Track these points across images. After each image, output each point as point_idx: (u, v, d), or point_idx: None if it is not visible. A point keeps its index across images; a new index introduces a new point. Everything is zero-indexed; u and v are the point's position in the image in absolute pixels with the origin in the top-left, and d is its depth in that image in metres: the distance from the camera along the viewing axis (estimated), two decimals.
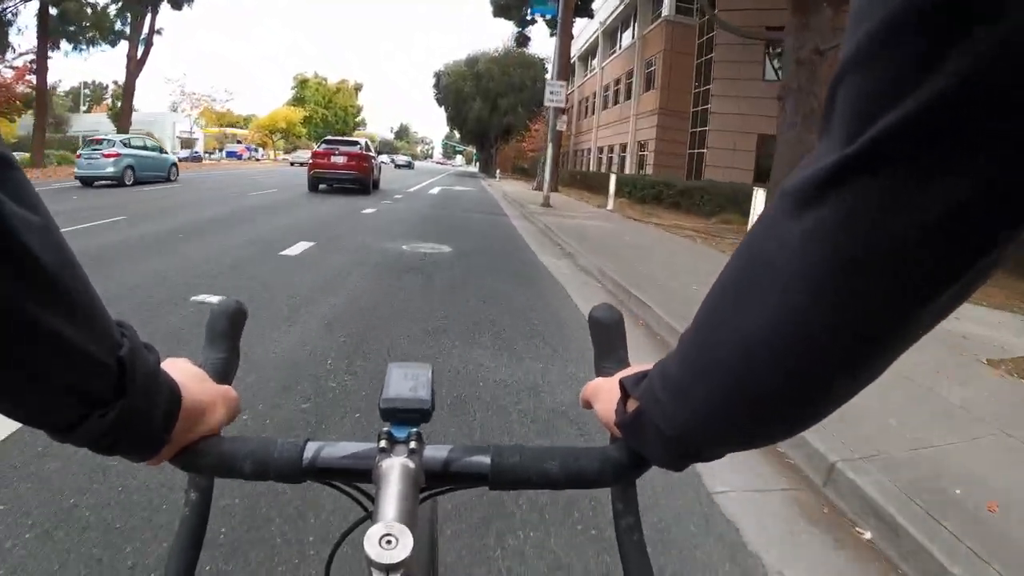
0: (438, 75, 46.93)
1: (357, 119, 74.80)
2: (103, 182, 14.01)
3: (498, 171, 39.64)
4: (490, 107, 42.05)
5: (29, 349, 0.29)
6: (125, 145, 14.74)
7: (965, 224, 0.23)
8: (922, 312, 0.26)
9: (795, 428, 0.34)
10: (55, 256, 0.29)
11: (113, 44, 28.42)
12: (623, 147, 27.96)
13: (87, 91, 52.15)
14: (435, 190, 20.08)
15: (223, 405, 0.46)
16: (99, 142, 14.51)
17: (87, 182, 14.03)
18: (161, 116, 44.18)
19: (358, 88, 73.55)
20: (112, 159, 13.98)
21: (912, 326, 0.27)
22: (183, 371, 0.44)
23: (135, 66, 28.04)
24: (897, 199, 0.23)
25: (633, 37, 27.32)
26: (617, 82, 29.40)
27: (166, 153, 17.40)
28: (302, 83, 66.46)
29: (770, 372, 0.30)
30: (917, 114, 0.21)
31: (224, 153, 49.49)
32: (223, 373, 0.51)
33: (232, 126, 57.63)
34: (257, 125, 56.68)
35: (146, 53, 28.41)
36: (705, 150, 20.50)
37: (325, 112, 65.74)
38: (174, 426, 0.40)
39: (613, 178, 14.95)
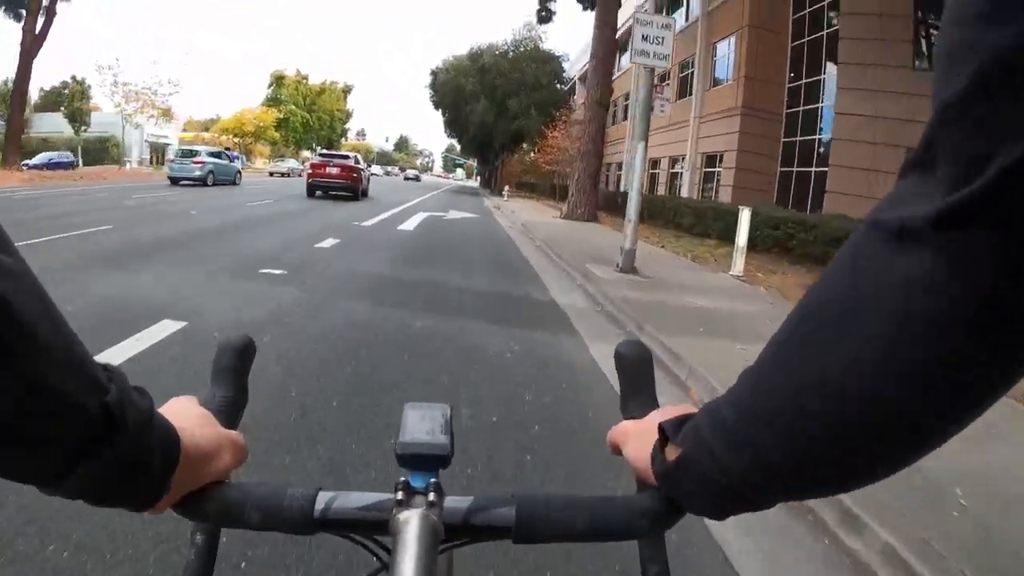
0: (435, 72, 39.99)
1: (345, 125, 67.53)
2: (188, 182, 18.98)
3: (506, 188, 31.49)
4: (496, 109, 34.99)
5: (9, 401, 0.27)
6: (208, 155, 20.63)
7: None
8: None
9: (875, 474, 0.31)
10: (30, 300, 0.28)
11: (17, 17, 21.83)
12: (675, 161, 21.13)
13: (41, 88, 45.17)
14: (417, 218, 13.00)
15: (229, 451, 0.44)
16: (191, 152, 20.50)
17: (175, 181, 19.08)
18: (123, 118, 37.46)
19: (347, 91, 65.65)
20: (199, 165, 19.41)
21: (1018, 374, 0.26)
22: (184, 414, 0.43)
23: (32, 42, 21.29)
24: (1011, 248, 0.22)
25: (687, 20, 20.64)
26: (664, 77, 22.69)
27: (234, 162, 23.10)
28: (278, 80, 58.21)
29: (857, 413, 0.28)
30: None
31: None
32: (229, 415, 0.49)
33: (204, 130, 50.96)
34: (220, 127, 49.05)
35: (47, 25, 21.71)
36: (826, 168, 13.76)
37: (306, 115, 58.11)
38: (173, 474, 0.38)
39: (745, 217, 7.38)
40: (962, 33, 0.22)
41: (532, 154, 34.53)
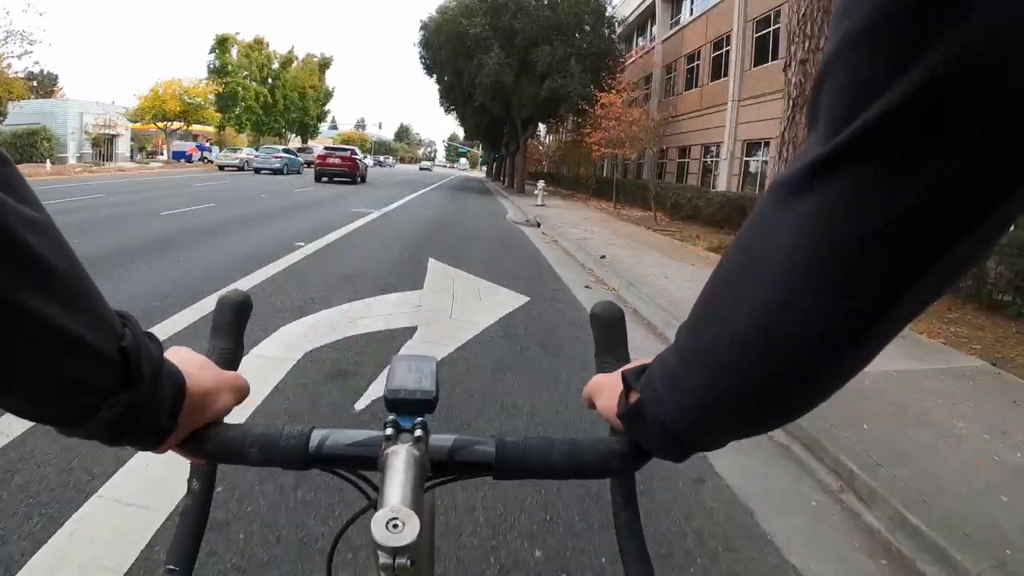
0: (425, 25, 25.62)
1: (323, 107, 51.99)
2: (267, 171, 26.79)
3: (541, 186, 18.25)
4: (517, 65, 22.05)
5: (34, 346, 0.29)
6: (284, 151, 29.85)
7: (941, 213, 0.24)
8: (901, 301, 0.27)
9: (790, 415, 0.35)
10: (55, 253, 0.30)
11: None
12: (709, 149, 19.15)
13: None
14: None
15: (229, 391, 0.47)
16: (271, 149, 29.81)
17: (258, 171, 27.08)
18: (63, 105, 31.11)
19: (325, 65, 50.52)
20: (278, 159, 27.79)
21: (893, 315, 0.28)
22: (186, 360, 0.44)
23: None
24: (878, 189, 0.24)
25: None
26: (694, 57, 20.62)
27: (298, 156, 31.28)
28: (220, 44, 41.75)
29: (764, 361, 0.31)
30: (893, 108, 0.23)
31: (170, 154, 35.85)
32: (229, 361, 0.52)
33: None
34: (140, 108, 33.10)
35: None
36: None
37: (264, 91, 43.69)
38: (180, 413, 0.40)
39: None
40: (840, 5, 0.24)
41: (582, 129, 21.19)
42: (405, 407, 0.45)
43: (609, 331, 0.55)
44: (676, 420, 0.38)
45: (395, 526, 0.34)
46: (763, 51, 15.98)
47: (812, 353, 0.30)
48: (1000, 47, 0.21)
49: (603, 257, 7.39)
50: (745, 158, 16.66)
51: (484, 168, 50.20)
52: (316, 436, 0.44)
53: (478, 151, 69.00)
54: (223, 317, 0.53)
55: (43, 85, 42.05)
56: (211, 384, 0.44)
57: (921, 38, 0.22)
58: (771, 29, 15.47)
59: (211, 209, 10.78)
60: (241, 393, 0.48)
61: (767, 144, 14.87)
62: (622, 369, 0.45)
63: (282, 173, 26.72)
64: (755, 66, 16.30)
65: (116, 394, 0.34)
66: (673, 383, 0.38)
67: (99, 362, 0.33)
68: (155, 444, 0.40)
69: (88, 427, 0.35)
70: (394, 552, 0.34)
